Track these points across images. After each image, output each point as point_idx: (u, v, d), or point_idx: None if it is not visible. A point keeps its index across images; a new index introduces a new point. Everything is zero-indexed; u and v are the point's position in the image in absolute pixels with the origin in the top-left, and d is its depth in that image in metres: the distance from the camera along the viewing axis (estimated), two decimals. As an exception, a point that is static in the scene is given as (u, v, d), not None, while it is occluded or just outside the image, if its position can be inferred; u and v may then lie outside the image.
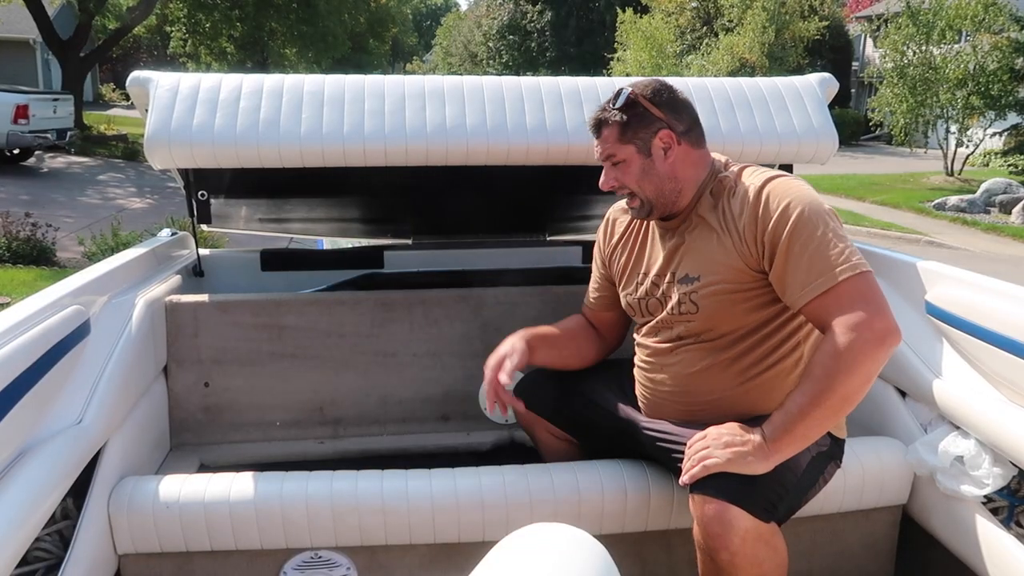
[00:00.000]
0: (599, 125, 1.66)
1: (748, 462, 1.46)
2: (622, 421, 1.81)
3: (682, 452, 1.57)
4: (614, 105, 1.63)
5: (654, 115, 1.62)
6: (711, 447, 1.49)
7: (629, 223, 1.83)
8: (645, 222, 1.78)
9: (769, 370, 1.63)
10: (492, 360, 1.79)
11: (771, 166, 1.80)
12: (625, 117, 1.62)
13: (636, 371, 1.81)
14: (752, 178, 1.60)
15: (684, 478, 1.50)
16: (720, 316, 1.62)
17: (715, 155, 1.70)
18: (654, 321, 1.73)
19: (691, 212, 1.66)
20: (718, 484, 1.45)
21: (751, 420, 1.57)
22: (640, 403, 1.82)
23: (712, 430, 1.52)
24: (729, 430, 1.51)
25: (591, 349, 1.94)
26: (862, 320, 1.44)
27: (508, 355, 1.78)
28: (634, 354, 1.85)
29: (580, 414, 1.88)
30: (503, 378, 1.74)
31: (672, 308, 1.67)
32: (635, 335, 1.82)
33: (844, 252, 1.48)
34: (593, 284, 1.95)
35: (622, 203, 1.84)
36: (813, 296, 1.48)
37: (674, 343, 1.69)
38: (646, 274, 1.75)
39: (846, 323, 1.44)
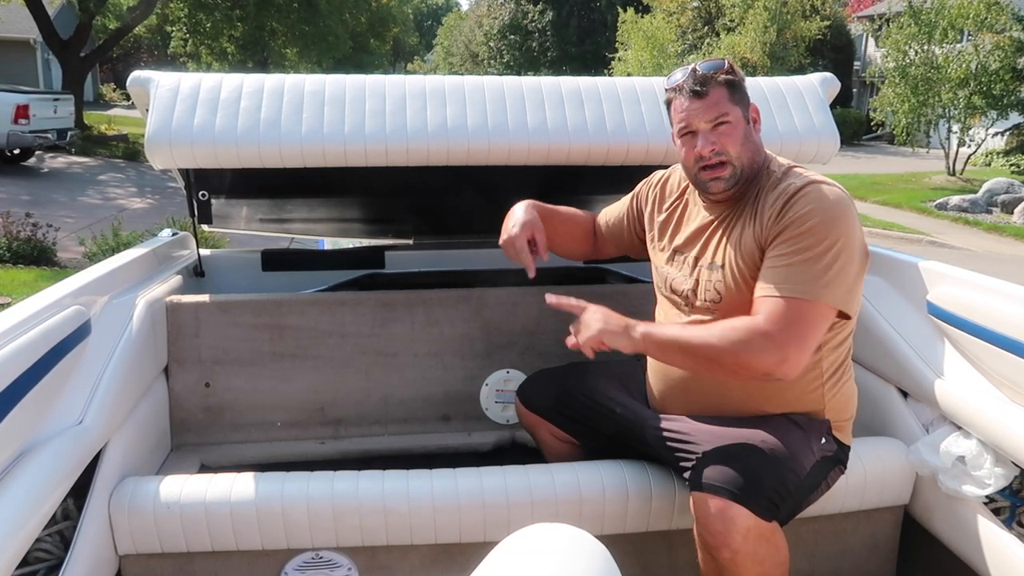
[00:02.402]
0: (705, 83, 1.59)
1: (615, 337, 1.60)
2: (625, 420, 1.81)
3: (689, 453, 1.58)
4: (716, 68, 1.60)
5: (744, 88, 1.64)
6: (589, 320, 1.63)
7: (679, 195, 1.81)
8: (686, 198, 1.78)
9: None
10: (514, 229, 1.85)
11: None
12: (733, 79, 1.61)
13: (651, 358, 1.82)
14: (795, 178, 1.59)
15: (575, 341, 1.65)
16: (740, 308, 1.61)
17: (767, 151, 1.70)
18: (679, 302, 1.73)
19: (740, 198, 1.65)
20: (720, 483, 1.46)
21: (759, 419, 1.58)
22: (649, 393, 1.82)
23: (594, 308, 1.66)
24: (607, 312, 1.65)
25: (580, 247, 2.04)
26: (783, 341, 1.47)
27: (532, 227, 1.85)
28: None
29: (582, 415, 1.88)
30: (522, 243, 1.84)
31: (698, 293, 1.68)
32: (656, 314, 1.82)
33: (820, 276, 1.49)
34: (612, 218, 1.98)
35: (671, 170, 1.86)
36: (764, 295, 1.52)
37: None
38: (682, 251, 1.75)
39: (771, 328, 1.48)
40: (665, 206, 1.83)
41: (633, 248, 1.97)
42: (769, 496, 1.46)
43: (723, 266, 1.63)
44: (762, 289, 1.53)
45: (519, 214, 1.88)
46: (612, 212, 2.00)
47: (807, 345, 1.49)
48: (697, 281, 1.68)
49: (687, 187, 1.79)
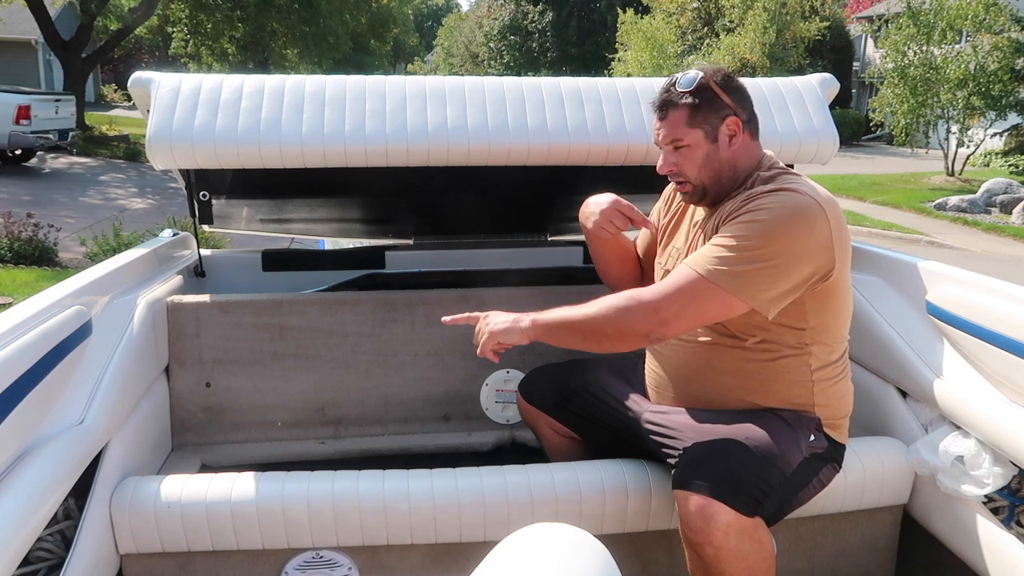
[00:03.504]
0: (665, 106, 1.62)
1: (507, 333, 1.64)
2: (624, 416, 1.82)
3: (674, 450, 1.59)
4: (683, 88, 1.61)
5: (723, 101, 1.63)
6: (482, 327, 1.67)
7: None
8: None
9: (772, 362, 1.64)
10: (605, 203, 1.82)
11: None
12: (696, 101, 1.61)
13: (648, 349, 1.84)
14: (774, 183, 1.60)
15: (478, 351, 1.68)
16: None
17: (767, 151, 1.71)
18: None
19: (726, 201, 1.66)
20: (701, 480, 1.47)
21: (748, 414, 1.59)
22: (647, 385, 1.84)
23: (483, 315, 1.71)
24: (496, 313, 1.69)
25: (630, 268, 1.97)
26: (659, 305, 1.53)
27: (615, 200, 1.82)
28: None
29: (583, 409, 1.89)
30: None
31: None
32: None
33: (732, 264, 1.51)
34: (645, 235, 1.98)
35: None
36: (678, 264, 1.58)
37: None
38: (675, 247, 1.78)
39: (652, 293, 1.55)
40: (672, 208, 1.86)
41: None
42: (750, 493, 1.47)
43: None
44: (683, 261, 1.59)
45: (598, 197, 1.85)
46: (643, 235, 1.99)
47: (685, 314, 1.54)
48: None
49: None
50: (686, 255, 1.71)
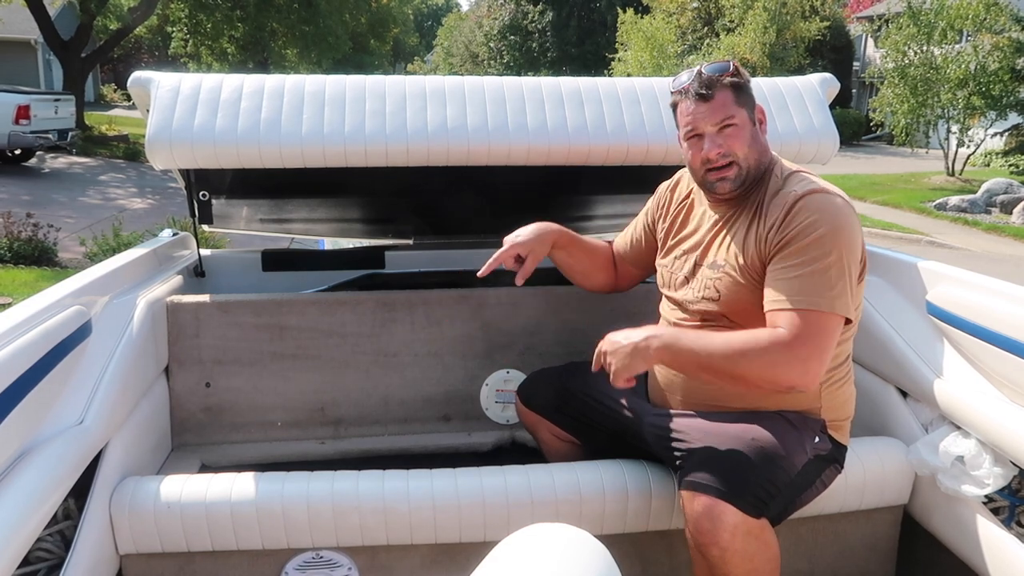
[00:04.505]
0: (711, 87, 1.60)
1: (630, 367, 1.58)
2: (625, 418, 1.81)
3: (680, 451, 1.59)
4: (722, 71, 1.61)
5: (751, 88, 1.65)
6: (608, 351, 1.61)
7: (686, 195, 1.83)
8: (692, 199, 1.80)
9: None
10: (514, 239, 1.88)
11: None
12: (739, 81, 1.62)
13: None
14: (797, 184, 1.60)
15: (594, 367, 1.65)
16: (738, 307, 1.63)
17: (772, 152, 1.71)
18: (678, 298, 1.75)
19: (744, 199, 1.66)
20: (707, 481, 1.47)
21: (753, 415, 1.59)
22: (651, 387, 1.83)
23: (611, 336, 1.63)
24: (622, 335, 1.61)
25: (602, 276, 2.01)
26: (806, 355, 1.48)
27: (528, 248, 1.87)
28: None
29: (582, 413, 1.89)
30: (509, 262, 1.87)
31: (697, 290, 1.70)
32: (660, 310, 1.84)
33: (832, 287, 1.50)
34: (629, 236, 1.98)
35: (683, 172, 1.85)
36: (779, 308, 1.52)
37: (694, 324, 1.71)
38: (684, 248, 1.77)
39: (794, 342, 1.48)
40: (673, 208, 1.85)
41: (654, 264, 1.96)
42: (756, 494, 1.47)
43: (723, 265, 1.65)
44: (776, 301, 1.53)
45: (530, 231, 1.90)
46: (627, 234, 2.00)
47: (825, 356, 1.51)
48: (698, 279, 1.71)
49: (693, 188, 1.81)
50: (702, 256, 1.71)
